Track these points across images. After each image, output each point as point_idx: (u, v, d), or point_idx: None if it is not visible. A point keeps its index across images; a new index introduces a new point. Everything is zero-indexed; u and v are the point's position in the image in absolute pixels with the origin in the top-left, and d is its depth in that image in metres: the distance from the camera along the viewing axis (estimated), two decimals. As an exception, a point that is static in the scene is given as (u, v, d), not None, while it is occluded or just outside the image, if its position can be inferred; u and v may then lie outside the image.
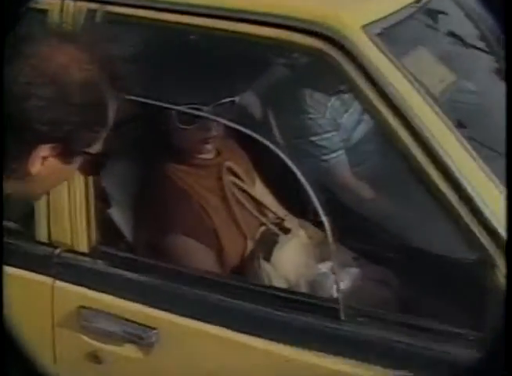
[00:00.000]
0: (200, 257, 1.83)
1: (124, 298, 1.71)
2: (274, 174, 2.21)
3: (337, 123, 2.33)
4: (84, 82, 1.18)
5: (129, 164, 1.97)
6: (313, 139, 2.30)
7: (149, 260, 1.77)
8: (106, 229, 1.83)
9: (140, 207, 1.90)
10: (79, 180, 1.75)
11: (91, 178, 1.77)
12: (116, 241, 1.87)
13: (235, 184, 1.99)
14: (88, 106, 1.19)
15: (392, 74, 1.51)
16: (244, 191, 2.01)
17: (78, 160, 1.26)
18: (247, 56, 1.80)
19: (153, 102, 1.65)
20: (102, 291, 1.73)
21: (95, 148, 1.25)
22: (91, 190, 1.77)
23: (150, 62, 1.77)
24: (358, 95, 1.54)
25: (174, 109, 1.79)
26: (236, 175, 2.01)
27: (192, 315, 1.65)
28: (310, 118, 2.30)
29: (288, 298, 1.64)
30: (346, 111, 2.38)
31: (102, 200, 1.85)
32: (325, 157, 2.29)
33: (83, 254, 1.79)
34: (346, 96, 2.37)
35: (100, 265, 1.77)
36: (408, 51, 1.67)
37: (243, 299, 1.63)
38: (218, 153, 2.00)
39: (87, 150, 1.24)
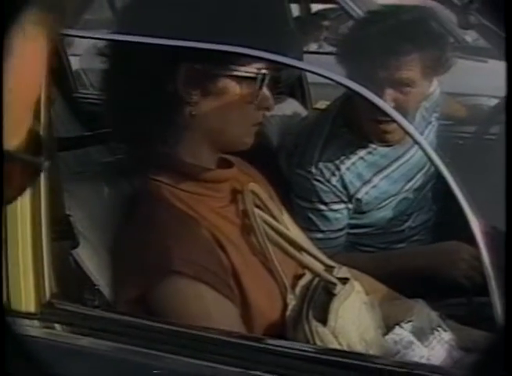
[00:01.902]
0: (216, 311, 1.15)
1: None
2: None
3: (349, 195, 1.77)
4: None
5: (100, 183, 1.30)
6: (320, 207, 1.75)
7: (138, 319, 1.09)
8: (67, 278, 1.16)
9: (121, 241, 1.21)
10: (24, 203, 1.11)
11: (44, 201, 1.12)
12: (82, 294, 1.18)
13: (260, 216, 1.32)
14: None
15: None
16: (271, 226, 1.33)
17: None
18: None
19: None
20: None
21: None
22: (44, 219, 1.13)
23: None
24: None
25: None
26: (259, 205, 1.33)
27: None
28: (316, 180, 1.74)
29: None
30: (367, 182, 1.78)
31: (62, 234, 1.18)
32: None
33: (29, 315, 1.10)
34: (373, 158, 1.78)
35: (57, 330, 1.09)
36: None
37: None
38: (228, 165, 1.33)
39: None
